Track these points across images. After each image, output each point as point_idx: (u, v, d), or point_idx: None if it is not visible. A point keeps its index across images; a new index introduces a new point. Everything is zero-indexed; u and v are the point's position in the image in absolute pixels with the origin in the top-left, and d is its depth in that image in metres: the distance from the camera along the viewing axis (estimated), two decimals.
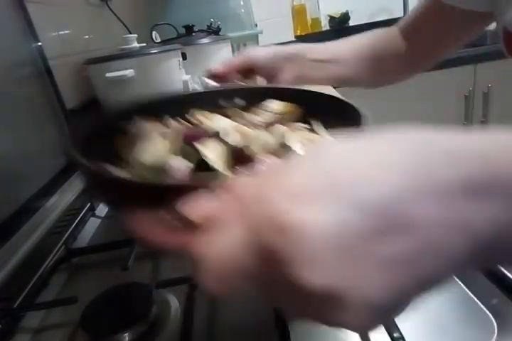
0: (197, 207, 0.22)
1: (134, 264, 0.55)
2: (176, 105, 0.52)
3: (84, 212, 0.80)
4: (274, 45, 2.12)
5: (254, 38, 1.89)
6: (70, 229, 0.72)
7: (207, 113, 0.50)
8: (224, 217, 0.21)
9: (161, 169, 0.39)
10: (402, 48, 0.70)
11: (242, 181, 0.22)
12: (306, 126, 0.48)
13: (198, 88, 1.25)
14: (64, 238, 0.69)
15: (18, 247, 0.63)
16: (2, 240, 0.61)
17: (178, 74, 1.18)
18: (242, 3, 1.89)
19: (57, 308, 0.54)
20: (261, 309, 0.47)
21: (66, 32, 1.12)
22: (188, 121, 0.50)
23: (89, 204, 0.83)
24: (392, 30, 0.72)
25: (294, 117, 0.50)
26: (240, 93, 0.55)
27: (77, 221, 0.76)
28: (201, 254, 0.21)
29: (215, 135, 0.41)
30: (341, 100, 0.46)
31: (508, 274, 0.43)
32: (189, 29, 1.46)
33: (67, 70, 1.08)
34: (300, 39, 2.29)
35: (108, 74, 1.03)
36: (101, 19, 1.44)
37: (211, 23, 1.51)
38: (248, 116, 0.50)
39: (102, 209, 0.85)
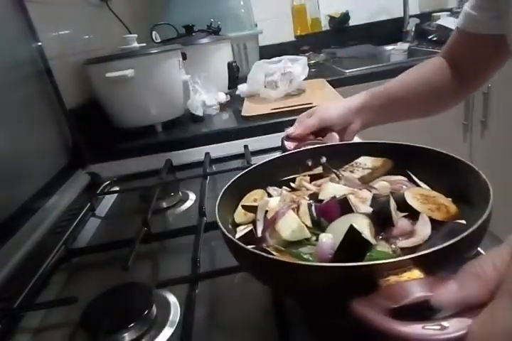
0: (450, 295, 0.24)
1: (134, 264, 0.55)
2: (268, 173, 0.56)
3: (84, 212, 0.80)
4: (276, 44, 2.11)
5: (254, 38, 1.89)
6: (70, 229, 0.72)
7: (307, 178, 0.55)
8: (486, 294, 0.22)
9: (298, 243, 0.42)
10: (452, 77, 0.74)
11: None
12: (403, 178, 0.51)
13: (198, 88, 1.25)
14: (64, 238, 0.69)
15: (18, 247, 0.63)
16: (2, 240, 0.61)
17: (178, 74, 1.18)
18: (242, 3, 1.89)
19: (57, 308, 0.54)
20: (261, 309, 0.47)
21: (66, 32, 1.12)
22: (293, 188, 0.54)
23: (89, 204, 0.83)
24: (438, 61, 0.76)
25: (387, 171, 0.54)
26: (326, 152, 0.58)
27: (77, 221, 0.76)
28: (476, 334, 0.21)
29: (342, 201, 0.44)
30: (438, 151, 0.49)
31: None
32: (189, 29, 1.46)
33: (67, 70, 1.08)
34: (300, 39, 2.29)
35: (108, 74, 1.03)
36: (101, 19, 1.44)
37: (211, 23, 1.51)
38: (346, 174, 0.54)
39: (102, 209, 0.85)
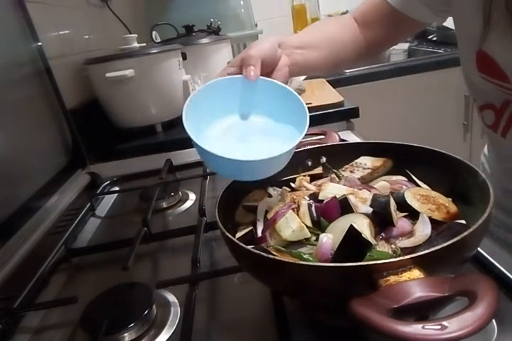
0: None
1: (134, 264, 0.55)
2: None
3: (84, 212, 0.80)
4: None
5: (254, 38, 1.89)
6: (70, 229, 0.72)
7: (307, 178, 0.55)
8: None
9: (298, 243, 0.43)
10: (360, 35, 0.73)
11: None
12: (403, 178, 0.51)
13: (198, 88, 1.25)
14: (64, 238, 0.69)
15: (18, 247, 0.62)
16: (2, 240, 0.61)
17: (178, 74, 1.18)
18: (242, 3, 1.88)
19: (57, 308, 0.54)
20: (261, 309, 0.47)
21: (66, 32, 1.12)
22: (293, 188, 0.54)
23: (89, 204, 0.83)
24: (349, 20, 0.75)
25: (387, 171, 0.54)
26: (326, 152, 0.58)
27: (77, 221, 0.76)
28: None
29: (342, 201, 0.44)
30: (438, 152, 0.49)
31: (508, 274, 0.43)
32: (189, 29, 1.45)
33: (67, 70, 1.08)
34: None
35: (108, 74, 1.03)
36: (101, 19, 1.44)
37: (211, 23, 1.51)
38: (346, 174, 0.54)
39: (102, 209, 0.85)
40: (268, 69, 0.57)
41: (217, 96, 0.51)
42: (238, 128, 0.51)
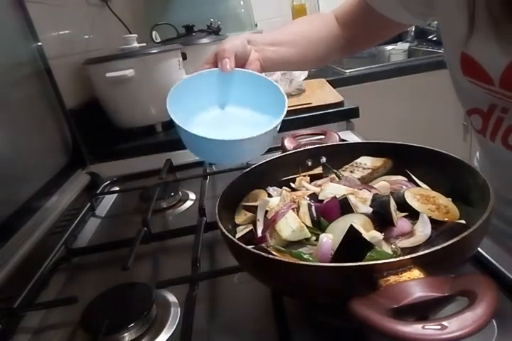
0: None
1: (134, 264, 0.55)
2: (268, 173, 0.56)
3: (84, 212, 0.80)
4: None
5: None
6: (70, 229, 0.72)
7: (307, 178, 0.55)
8: None
9: (298, 243, 0.43)
10: (339, 34, 0.75)
11: None
12: (403, 178, 0.51)
13: None
14: (64, 238, 0.69)
15: (18, 247, 0.63)
16: (2, 240, 0.61)
17: (178, 74, 1.18)
18: (242, 3, 1.89)
19: (57, 308, 0.54)
20: (261, 309, 0.47)
21: (66, 32, 1.12)
22: (293, 188, 0.54)
23: (89, 204, 0.83)
24: (330, 18, 0.76)
25: (387, 171, 0.54)
26: (326, 152, 0.58)
27: (77, 221, 0.76)
28: None
29: (342, 201, 0.44)
30: (438, 152, 0.49)
31: (508, 274, 0.43)
32: (189, 29, 1.46)
33: (67, 70, 1.08)
34: None
35: (108, 74, 1.03)
36: (101, 19, 1.44)
37: (211, 23, 1.51)
38: (346, 174, 0.54)
39: (102, 209, 0.85)
40: (240, 63, 0.60)
41: (196, 90, 0.55)
42: (217, 117, 0.55)
